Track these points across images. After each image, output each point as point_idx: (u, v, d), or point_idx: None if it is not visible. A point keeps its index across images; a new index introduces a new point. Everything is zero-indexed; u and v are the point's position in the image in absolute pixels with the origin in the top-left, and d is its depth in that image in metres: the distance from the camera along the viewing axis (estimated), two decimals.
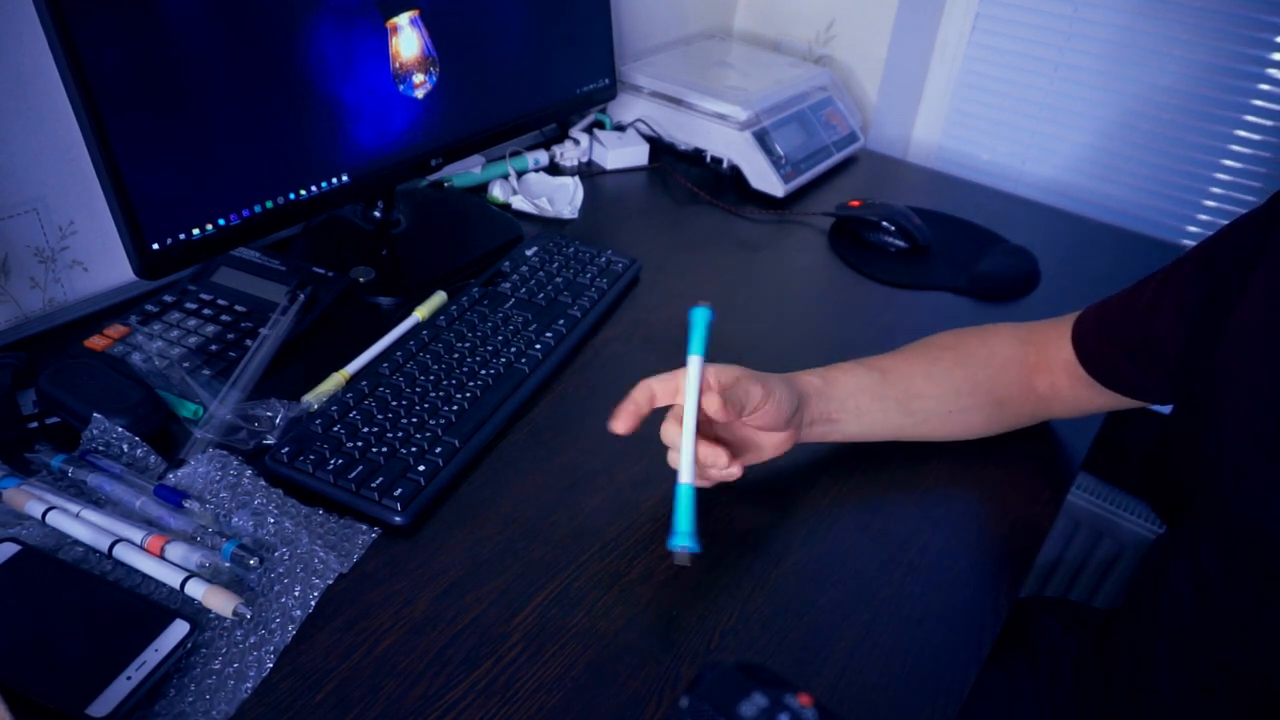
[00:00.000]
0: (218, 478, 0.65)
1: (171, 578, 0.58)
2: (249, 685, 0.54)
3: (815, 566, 0.67)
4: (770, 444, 0.69)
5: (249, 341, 0.77)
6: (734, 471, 0.64)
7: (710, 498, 0.71)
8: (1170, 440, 0.70)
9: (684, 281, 0.99)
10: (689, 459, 0.62)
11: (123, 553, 0.59)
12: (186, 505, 0.63)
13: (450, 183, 1.11)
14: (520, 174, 1.14)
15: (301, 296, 0.82)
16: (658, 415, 0.79)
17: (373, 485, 0.65)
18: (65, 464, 0.65)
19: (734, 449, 0.65)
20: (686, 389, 0.62)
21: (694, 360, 0.62)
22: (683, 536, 0.60)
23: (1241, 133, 1.23)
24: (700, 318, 0.65)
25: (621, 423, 0.63)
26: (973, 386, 0.73)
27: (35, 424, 0.70)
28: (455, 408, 0.73)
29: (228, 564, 0.59)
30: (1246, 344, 0.57)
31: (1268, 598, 0.58)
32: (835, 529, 0.70)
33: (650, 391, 0.63)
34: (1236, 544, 0.59)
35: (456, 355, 0.79)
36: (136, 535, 0.60)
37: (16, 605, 0.55)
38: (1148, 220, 1.32)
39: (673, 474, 0.73)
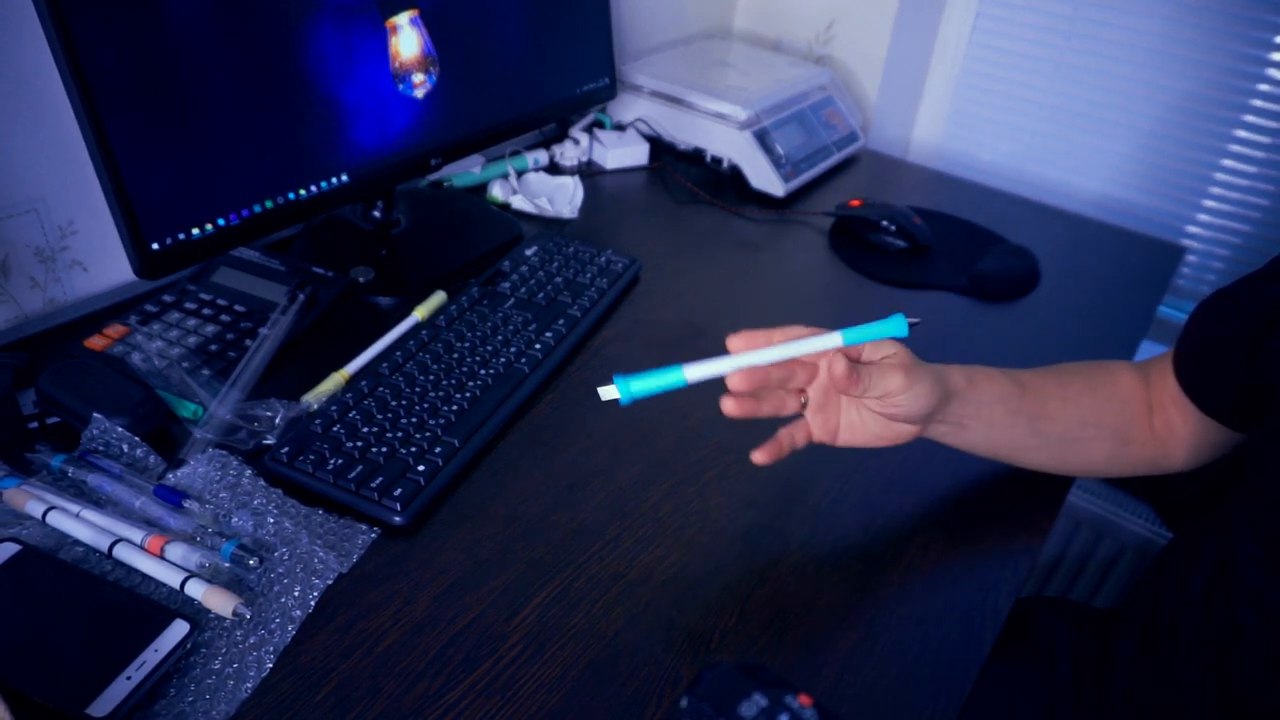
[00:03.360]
0: (217, 478, 0.65)
1: (171, 578, 0.58)
2: (249, 685, 0.54)
3: (815, 566, 0.67)
4: (890, 433, 0.65)
5: (249, 341, 0.77)
6: (796, 439, 0.63)
7: (709, 498, 0.71)
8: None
9: (684, 281, 0.99)
10: (721, 367, 0.59)
11: (123, 553, 0.59)
12: (186, 505, 0.63)
13: (450, 183, 1.11)
14: (520, 174, 1.14)
15: (301, 296, 0.82)
16: (657, 413, 0.79)
17: (372, 485, 0.65)
18: (65, 464, 0.65)
19: (845, 423, 0.65)
20: (806, 339, 0.59)
21: (835, 335, 0.59)
22: (628, 389, 0.58)
23: (1242, 133, 1.23)
24: (894, 324, 0.59)
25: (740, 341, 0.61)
26: (1099, 417, 0.71)
27: (35, 424, 0.70)
28: (455, 408, 0.73)
29: (227, 564, 0.59)
30: None
31: None
32: (835, 529, 0.70)
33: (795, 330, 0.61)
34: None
35: (456, 355, 0.79)
36: (136, 535, 0.60)
37: (16, 605, 0.55)
38: (1148, 220, 1.32)
39: (672, 475, 0.73)
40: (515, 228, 1.03)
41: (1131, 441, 0.71)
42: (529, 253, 0.95)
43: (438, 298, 0.87)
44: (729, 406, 0.60)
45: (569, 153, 1.21)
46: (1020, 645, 0.80)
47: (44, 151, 0.78)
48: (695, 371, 0.59)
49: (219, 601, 0.57)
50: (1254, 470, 0.63)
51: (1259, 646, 0.60)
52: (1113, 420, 0.71)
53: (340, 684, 0.55)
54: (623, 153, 1.23)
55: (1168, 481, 1.07)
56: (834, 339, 0.59)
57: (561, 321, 0.85)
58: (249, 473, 0.66)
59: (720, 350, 0.88)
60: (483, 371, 0.77)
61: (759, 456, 0.62)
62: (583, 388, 0.82)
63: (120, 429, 0.67)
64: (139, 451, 0.67)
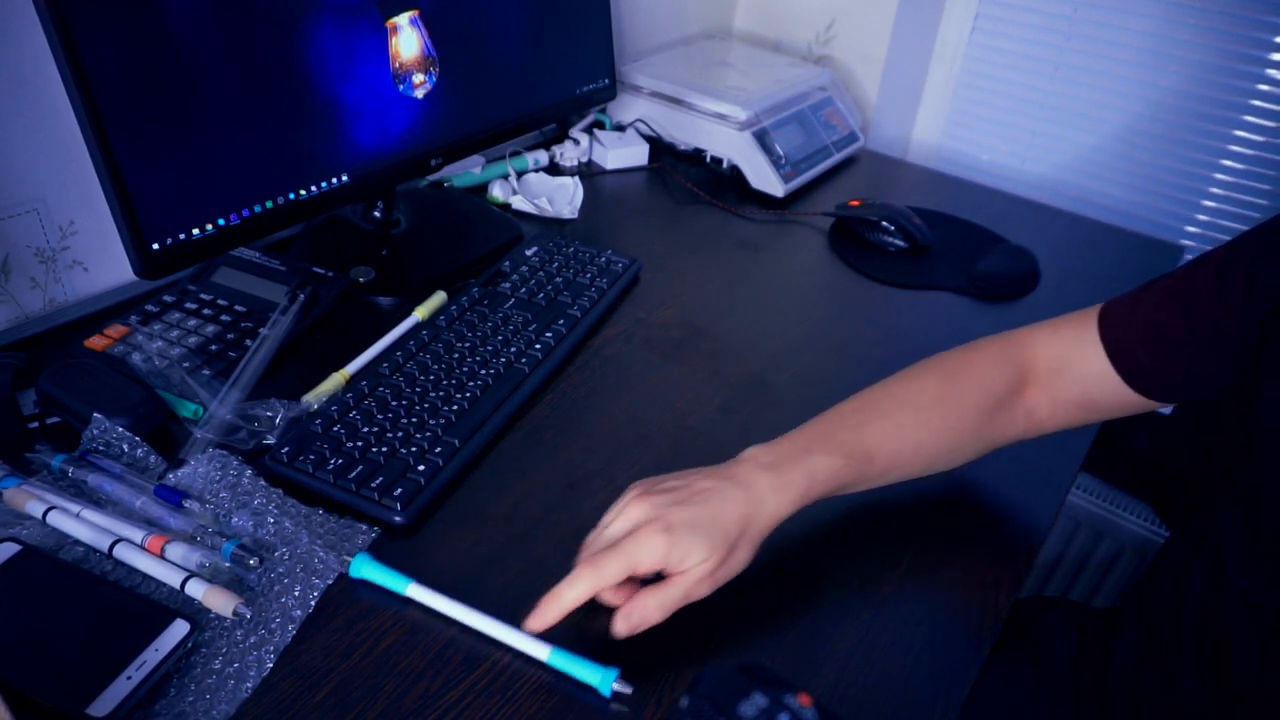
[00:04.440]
0: (218, 478, 0.65)
1: (171, 577, 0.58)
2: (249, 685, 0.54)
3: (815, 566, 0.67)
4: None
5: (249, 341, 0.77)
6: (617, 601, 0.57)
7: None
8: (1178, 440, 0.69)
9: (684, 281, 0.99)
10: (446, 607, 0.59)
11: (123, 553, 0.59)
12: (186, 505, 0.63)
13: (450, 183, 1.11)
14: (520, 174, 1.14)
15: (301, 296, 0.82)
16: (657, 412, 0.79)
17: (373, 485, 0.65)
18: (65, 464, 0.65)
19: None
20: (520, 635, 0.57)
21: (544, 648, 0.57)
22: (359, 569, 0.60)
23: (1241, 133, 1.23)
24: (601, 681, 0.55)
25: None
26: (957, 441, 0.68)
27: (35, 424, 0.70)
28: (455, 408, 0.73)
29: (228, 564, 0.59)
30: None
31: None
32: (835, 529, 0.70)
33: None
34: (1273, 553, 0.59)
35: (456, 355, 0.79)
36: (137, 535, 0.60)
37: (16, 605, 0.55)
38: (1148, 220, 1.32)
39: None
40: (515, 228, 1.03)
41: (996, 438, 0.69)
42: (529, 253, 0.95)
43: (438, 298, 0.87)
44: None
45: (569, 153, 1.21)
46: (1020, 645, 0.80)
47: (44, 151, 0.78)
48: (419, 593, 0.60)
49: (219, 601, 0.57)
50: (1241, 472, 0.63)
51: (1251, 647, 0.60)
52: (973, 434, 0.68)
53: (340, 684, 0.55)
54: (623, 153, 1.23)
55: (1168, 481, 1.07)
56: (542, 651, 0.57)
57: (561, 321, 0.85)
58: (249, 473, 0.66)
59: (721, 350, 0.88)
60: (483, 371, 0.77)
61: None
62: (583, 388, 0.82)
63: (120, 429, 0.67)
64: (139, 451, 0.67)
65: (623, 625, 0.56)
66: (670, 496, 0.58)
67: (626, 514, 0.58)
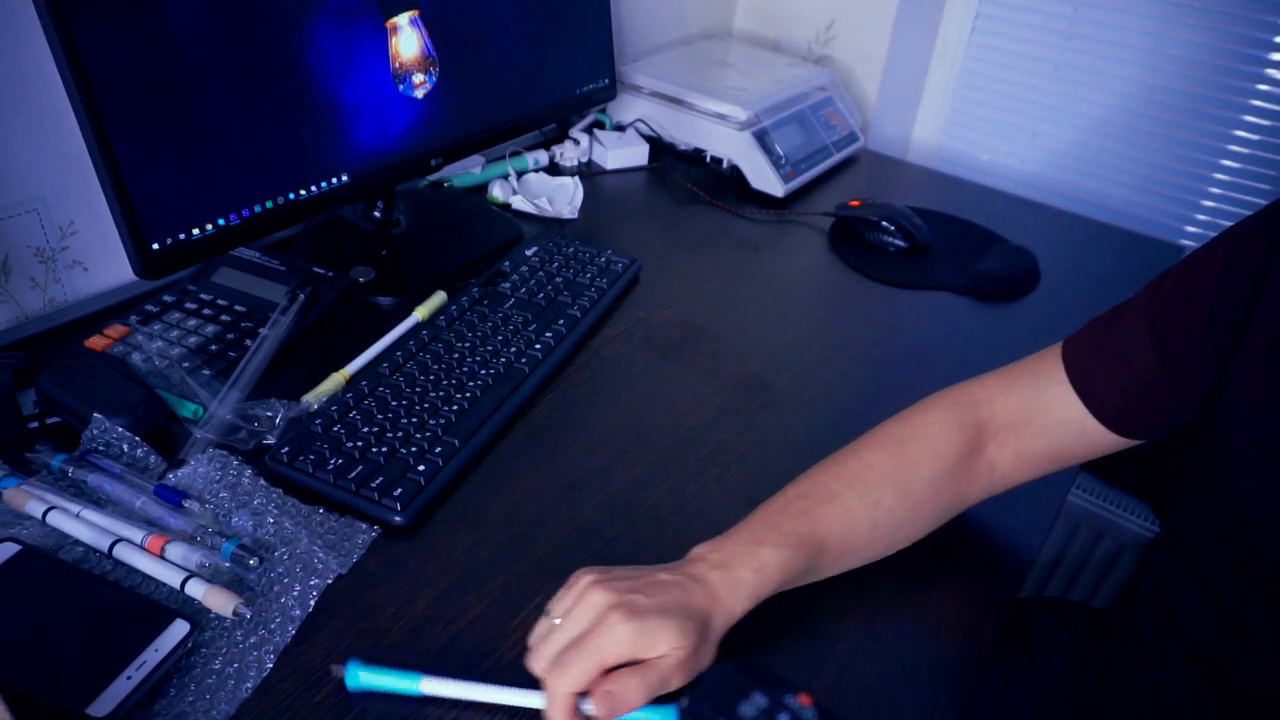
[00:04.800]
0: (217, 478, 0.65)
1: (171, 578, 0.58)
2: (249, 685, 0.54)
3: None
4: None
5: (249, 341, 0.77)
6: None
7: (709, 498, 0.71)
8: (1178, 440, 0.69)
9: (684, 281, 0.99)
10: (461, 691, 0.54)
11: (123, 553, 0.59)
12: (186, 505, 0.63)
13: (450, 183, 1.11)
14: (520, 174, 1.14)
15: (301, 296, 0.82)
16: (657, 412, 0.79)
17: (373, 485, 0.65)
18: (65, 464, 0.65)
19: None
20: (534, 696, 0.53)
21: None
22: (357, 678, 0.54)
23: (1241, 132, 1.23)
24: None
25: None
26: (914, 513, 0.64)
27: (35, 424, 0.70)
28: (455, 408, 0.73)
29: (228, 564, 0.59)
30: (1268, 344, 0.55)
31: (1272, 598, 0.58)
32: None
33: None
34: (1244, 546, 0.59)
35: (456, 355, 0.79)
36: (136, 535, 0.60)
37: (16, 605, 0.55)
38: (1148, 220, 1.32)
39: (672, 475, 0.73)
40: (515, 228, 1.03)
41: (953, 507, 0.66)
42: (529, 253, 0.95)
43: (438, 298, 0.87)
44: None
45: (569, 153, 1.21)
46: (1019, 645, 0.80)
47: (44, 151, 0.78)
48: (432, 686, 0.54)
49: (219, 601, 0.57)
50: (1210, 474, 0.63)
51: (1233, 642, 0.60)
52: (929, 508, 0.65)
53: (340, 684, 0.55)
54: (623, 153, 1.23)
55: (1168, 481, 1.07)
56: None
57: (561, 321, 0.85)
58: (249, 473, 0.66)
59: (721, 350, 0.88)
60: (483, 371, 0.77)
61: None
62: (583, 388, 0.82)
63: (120, 429, 0.67)
64: (139, 451, 0.67)
65: (602, 707, 0.50)
66: (630, 584, 0.54)
67: (586, 600, 0.53)
